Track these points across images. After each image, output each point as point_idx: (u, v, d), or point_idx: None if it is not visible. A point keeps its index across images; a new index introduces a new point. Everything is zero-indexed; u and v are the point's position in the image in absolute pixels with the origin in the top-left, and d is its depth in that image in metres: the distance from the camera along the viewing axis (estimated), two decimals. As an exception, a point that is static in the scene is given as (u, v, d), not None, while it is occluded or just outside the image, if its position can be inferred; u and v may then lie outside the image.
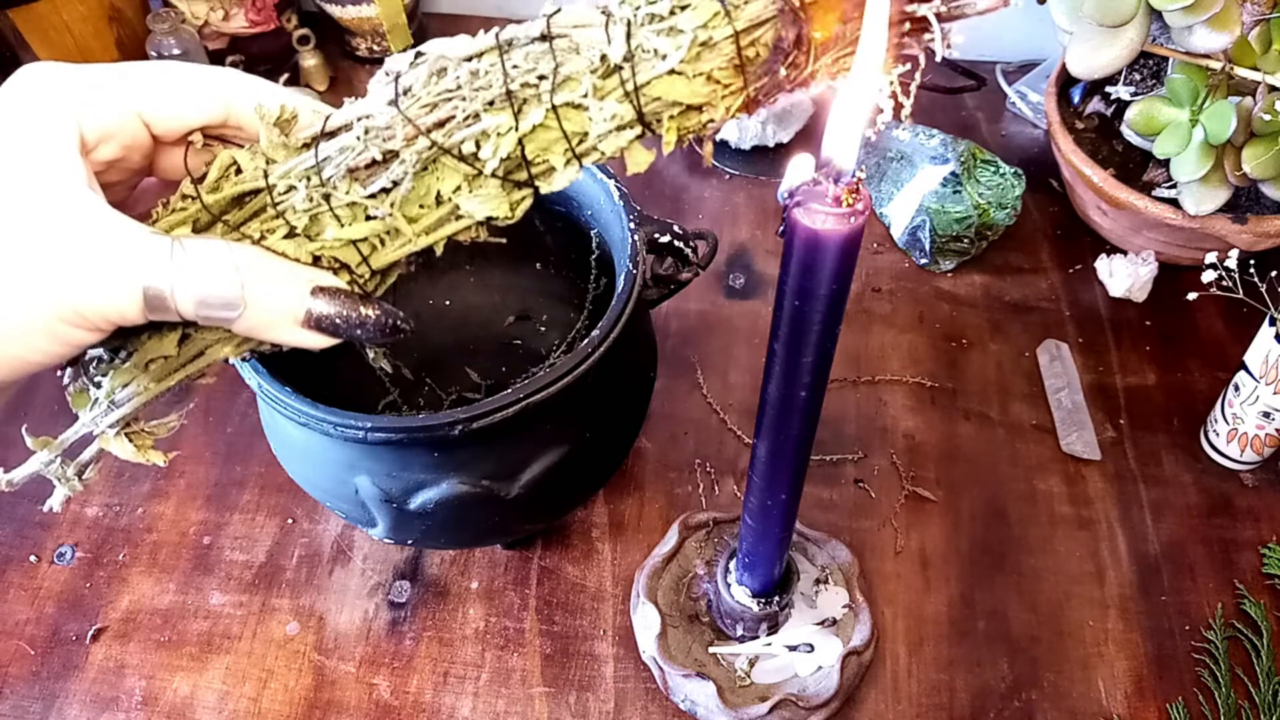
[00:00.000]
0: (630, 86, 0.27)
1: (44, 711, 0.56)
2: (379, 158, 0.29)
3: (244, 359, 0.35)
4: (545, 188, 0.30)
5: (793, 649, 0.54)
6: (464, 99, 0.28)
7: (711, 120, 0.28)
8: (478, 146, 0.29)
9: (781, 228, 0.31)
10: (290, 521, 0.63)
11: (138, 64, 0.30)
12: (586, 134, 0.28)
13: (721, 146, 0.85)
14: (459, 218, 0.30)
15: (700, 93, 0.27)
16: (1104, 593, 0.59)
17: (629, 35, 0.27)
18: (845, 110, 0.28)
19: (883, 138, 0.81)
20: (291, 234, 0.30)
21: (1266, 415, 0.59)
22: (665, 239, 0.52)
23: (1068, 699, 0.55)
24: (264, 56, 0.92)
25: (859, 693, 0.55)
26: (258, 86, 0.32)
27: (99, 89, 0.29)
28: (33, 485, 0.33)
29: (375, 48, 0.94)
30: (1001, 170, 0.75)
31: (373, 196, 0.30)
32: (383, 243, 0.31)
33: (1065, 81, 0.76)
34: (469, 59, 0.29)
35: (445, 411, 0.43)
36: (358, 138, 0.29)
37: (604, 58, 0.27)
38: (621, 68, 0.27)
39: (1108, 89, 0.75)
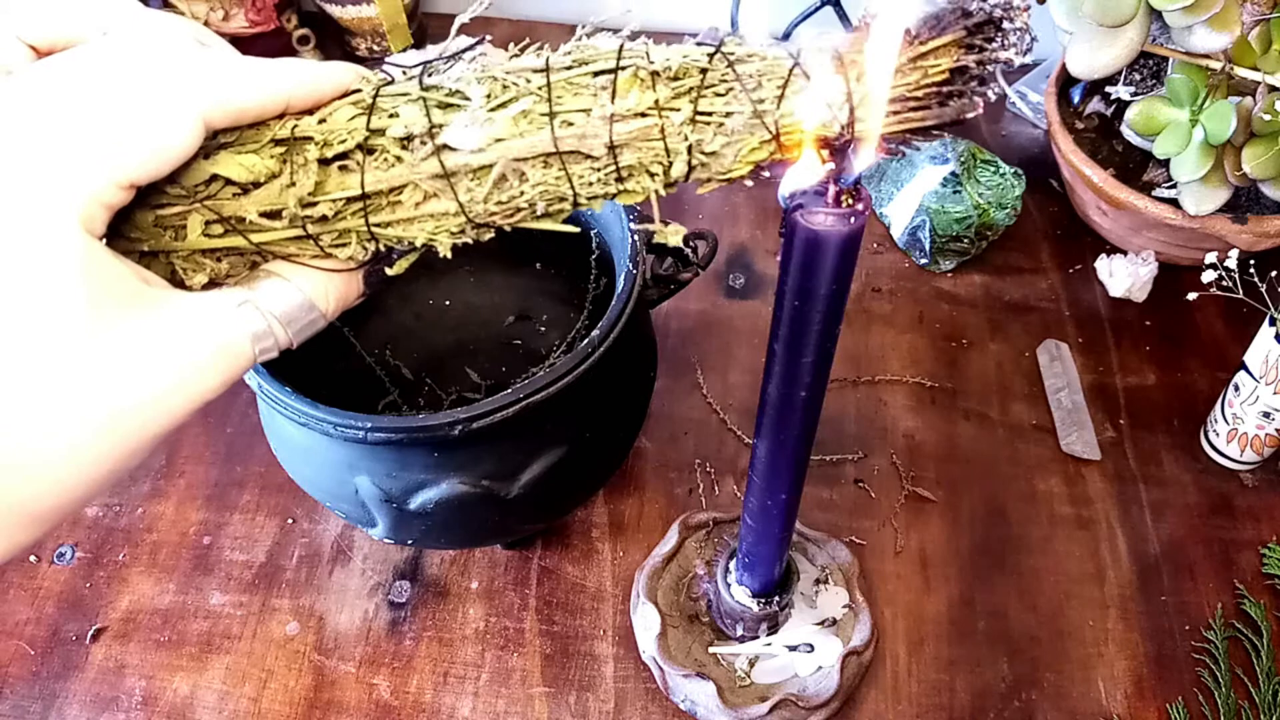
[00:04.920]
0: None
1: (44, 711, 0.56)
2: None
3: None
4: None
5: (793, 649, 0.54)
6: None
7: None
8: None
9: (782, 228, 0.31)
10: (290, 521, 0.63)
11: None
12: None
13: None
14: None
15: None
16: (1104, 593, 0.59)
17: None
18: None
19: (883, 138, 0.80)
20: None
21: (1266, 415, 0.59)
22: (665, 239, 0.52)
23: (1068, 699, 0.55)
24: (264, 56, 0.92)
25: (859, 693, 0.55)
26: (323, 70, 0.31)
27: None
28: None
29: (375, 48, 0.94)
30: (1001, 170, 0.75)
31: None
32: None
33: (1065, 81, 0.76)
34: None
35: (445, 411, 0.43)
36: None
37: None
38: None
39: (1108, 89, 0.75)
